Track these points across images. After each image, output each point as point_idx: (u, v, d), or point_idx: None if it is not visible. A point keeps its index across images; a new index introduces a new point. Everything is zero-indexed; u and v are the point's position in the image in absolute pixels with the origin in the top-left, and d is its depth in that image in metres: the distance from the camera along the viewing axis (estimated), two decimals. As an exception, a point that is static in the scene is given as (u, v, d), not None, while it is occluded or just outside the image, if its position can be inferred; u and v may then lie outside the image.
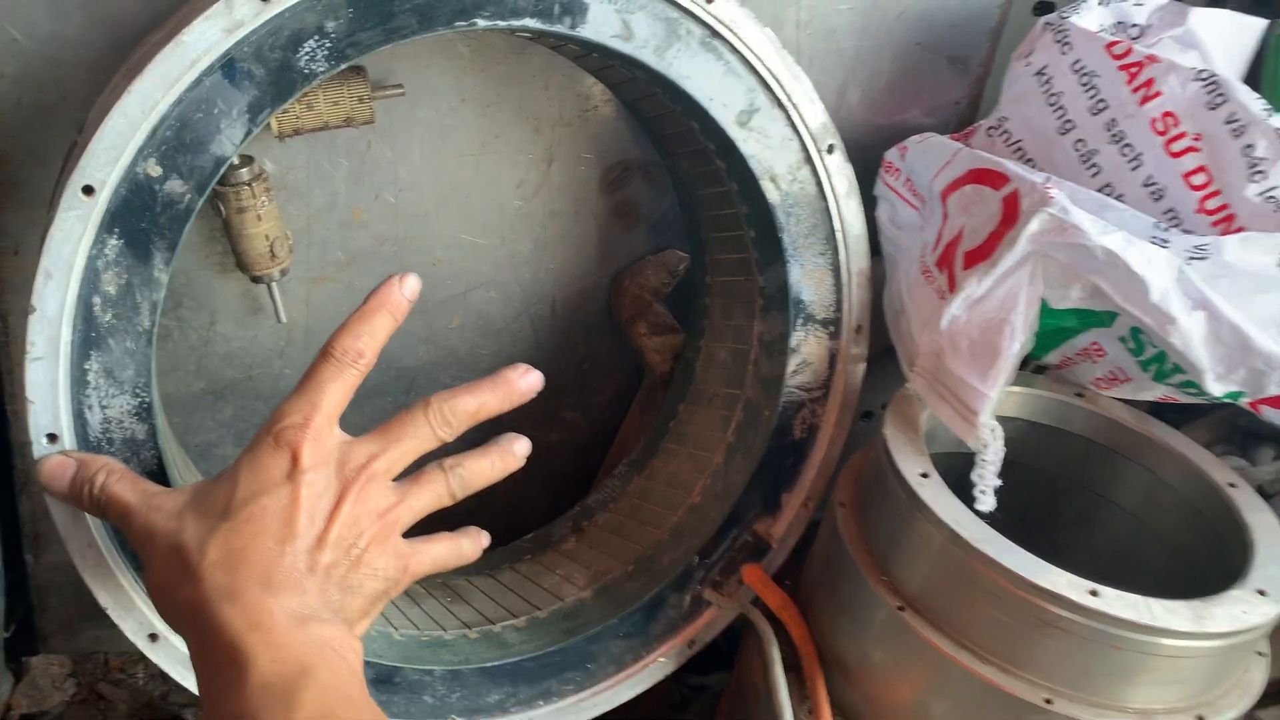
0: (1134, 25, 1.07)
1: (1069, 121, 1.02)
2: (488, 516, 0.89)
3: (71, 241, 0.78)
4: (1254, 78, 1.10)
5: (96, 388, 0.83)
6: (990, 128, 1.09)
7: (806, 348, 1.08)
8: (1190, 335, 0.87)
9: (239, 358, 1.14)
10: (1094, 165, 1.00)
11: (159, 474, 0.86)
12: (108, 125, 0.77)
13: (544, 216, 1.18)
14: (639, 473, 1.25)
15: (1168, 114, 0.95)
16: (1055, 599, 0.82)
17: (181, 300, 1.08)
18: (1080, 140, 1.01)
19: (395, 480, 0.77)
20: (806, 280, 1.06)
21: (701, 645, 1.14)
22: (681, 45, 0.93)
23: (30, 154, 0.97)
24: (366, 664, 0.73)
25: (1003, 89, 1.09)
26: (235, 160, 0.94)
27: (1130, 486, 1.06)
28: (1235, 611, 0.83)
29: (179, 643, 0.90)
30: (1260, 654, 0.91)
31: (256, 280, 1.04)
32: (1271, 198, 0.91)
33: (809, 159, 1.01)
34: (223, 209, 0.98)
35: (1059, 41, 1.02)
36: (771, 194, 1.01)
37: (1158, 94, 0.95)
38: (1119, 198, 0.98)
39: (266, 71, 0.81)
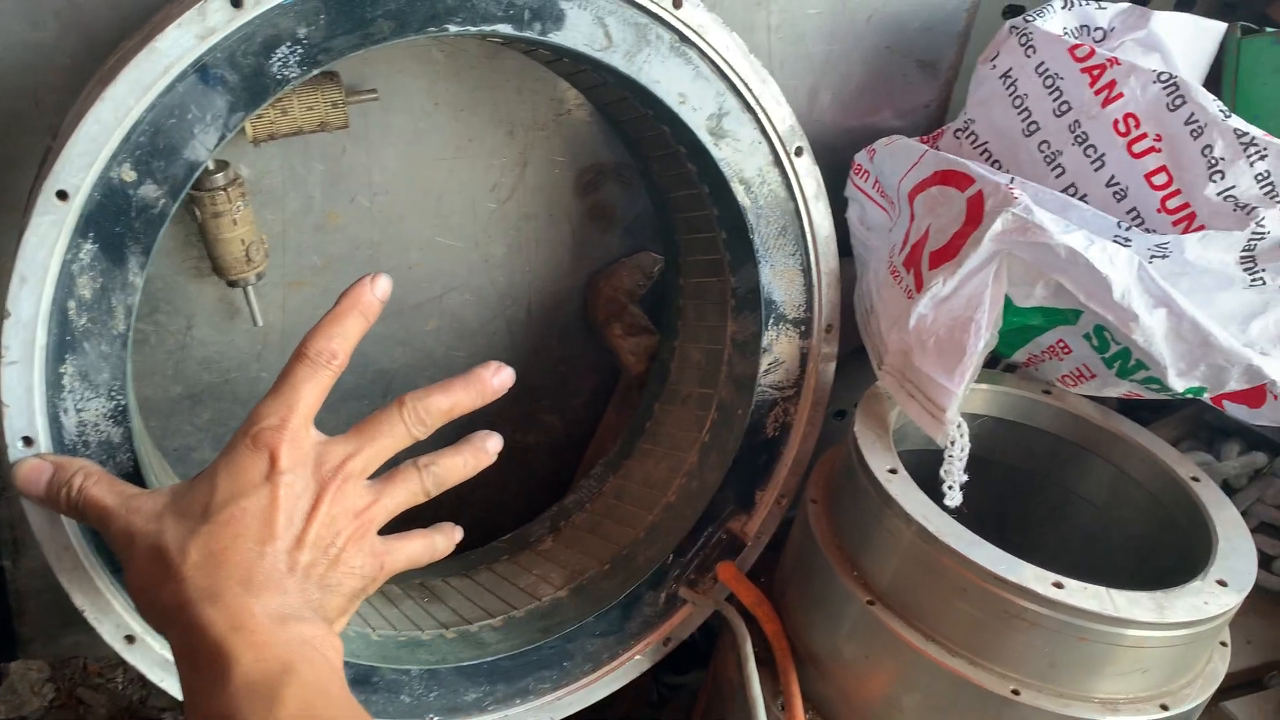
0: (1098, 28, 1.09)
1: (1034, 123, 1.03)
2: (466, 518, 0.90)
3: (46, 246, 0.78)
4: (1215, 80, 1.12)
5: (72, 391, 0.83)
6: (958, 130, 1.10)
7: (778, 347, 1.10)
8: (1152, 332, 0.88)
9: (216, 362, 1.14)
10: (1058, 166, 1.02)
11: (135, 476, 0.86)
12: (82, 131, 0.77)
13: (519, 219, 1.18)
14: (615, 472, 1.26)
15: (1129, 115, 0.97)
16: (1021, 592, 0.83)
17: (158, 305, 1.08)
18: (1045, 142, 1.03)
19: (370, 479, 0.78)
20: (777, 281, 1.07)
21: (677, 642, 1.15)
22: (651, 50, 0.94)
23: (4, 160, 0.96)
24: (344, 664, 0.74)
25: (969, 92, 1.10)
26: (210, 165, 0.95)
27: (1097, 481, 1.08)
28: (1196, 602, 0.84)
29: (156, 644, 0.91)
30: (1223, 644, 0.93)
31: (232, 284, 1.04)
32: (1230, 197, 0.92)
33: (778, 161, 1.03)
34: (198, 213, 0.98)
35: (1023, 45, 1.03)
36: (741, 196, 1.03)
37: (1119, 96, 0.97)
38: (1083, 198, 0.99)
39: (240, 77, 0.81)
